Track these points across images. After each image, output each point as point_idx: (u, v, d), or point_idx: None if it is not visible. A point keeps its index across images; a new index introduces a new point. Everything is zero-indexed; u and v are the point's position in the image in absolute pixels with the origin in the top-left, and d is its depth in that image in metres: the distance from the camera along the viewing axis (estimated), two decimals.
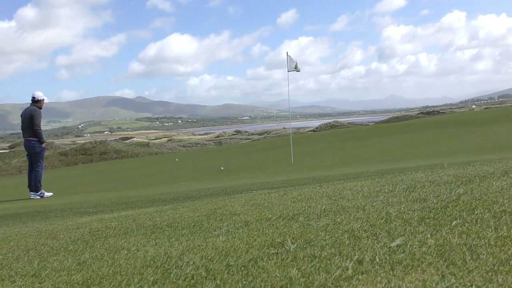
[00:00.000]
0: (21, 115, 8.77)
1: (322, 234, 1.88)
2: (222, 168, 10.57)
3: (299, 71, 10.50)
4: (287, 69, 10.33)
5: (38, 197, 8.45)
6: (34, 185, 8.49)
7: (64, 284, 1.76)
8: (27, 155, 8.83)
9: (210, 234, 2.27)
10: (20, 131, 8.96)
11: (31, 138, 8.51)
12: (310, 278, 1.40)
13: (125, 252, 2.16)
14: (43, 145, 8.65)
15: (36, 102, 8.61)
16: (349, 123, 53.85)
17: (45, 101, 8.73)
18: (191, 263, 1.75)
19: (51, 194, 8.72)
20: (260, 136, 47.56)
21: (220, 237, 2.14)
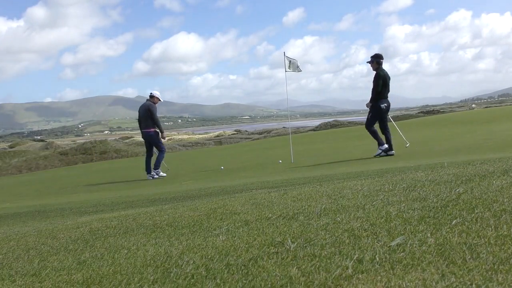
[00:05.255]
0: (138, 110, 10.22)
1: (322, 233, 1.88)
2: (222, 167, 10.57)
3: (300, 71, 10.44)
4: (284, 69, 10.34)
5: (155, 175, 9.86)
6: (155, 165, 9.92)
7: (64, 284, 1.76)
8: (145, 143, 10.47)
9: (210, 233, 2.27)
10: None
11: (147, 130, 9.99)
12: (310, 277, 1.40)
13: (125, 251, 2.16)
14: (163, 135, 10.14)
15: (151, 97, 10.13)
16: (349, 122, 53.80)
17: (159, 97, 10.23)
18: (191, 262, 1.76)
19: (164, 175, 10.07)
20: (260, 136, 47.55)
21: (220, 236, 2.14)
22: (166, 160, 10.65)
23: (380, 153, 8.62)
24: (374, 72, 8.79)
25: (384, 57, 8.82)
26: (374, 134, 8.77)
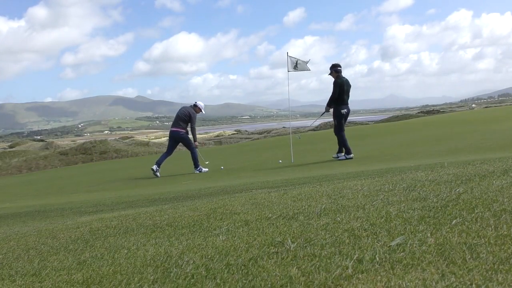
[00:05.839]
0: (179, 110, 10.56)
1: (322, 233, 1.88)
2: (222, 167, 10.57)
3: (309, 69, 10.43)
4: (287, 69, 10.30)
5: (198, 171, 10.13)
6: (194, 163, 10.23)
7: (64, 284, 1.76)
8: (169, 141, 10.73)
9: (210, 233, 2.27)
10: None
11: (178, 129, 10.25)
12: (310, 277, 1.40)
13: (125, 251, 2.16)
14: (196, 143, 10.38)
15: (194, 106, 10.49)
16: (348, 122, 53.69)
17: (201, 109, 10.60)
18: (191, 262, 1.76)
19: (207, 170, 10.24)
20: (260, 136, 47.53)
21: (220, 236, 2.14)
22: (170, 158, 10.68)
23: (344, 158, 9.07)
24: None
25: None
26: (343, 139, 9.19)
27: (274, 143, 19.46)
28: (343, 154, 9.11)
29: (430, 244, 1.53)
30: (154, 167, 10.16)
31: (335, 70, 9.26)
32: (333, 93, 9.08)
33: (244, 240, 1.99)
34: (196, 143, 10.42)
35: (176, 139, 10.44)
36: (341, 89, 9.05)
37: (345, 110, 9.14)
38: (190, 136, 10.45)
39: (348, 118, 9.66)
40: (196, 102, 10.61)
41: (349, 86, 9.24)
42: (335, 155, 9.27)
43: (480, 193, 2.23)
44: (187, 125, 10.36)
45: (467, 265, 1.31)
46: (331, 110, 9.36)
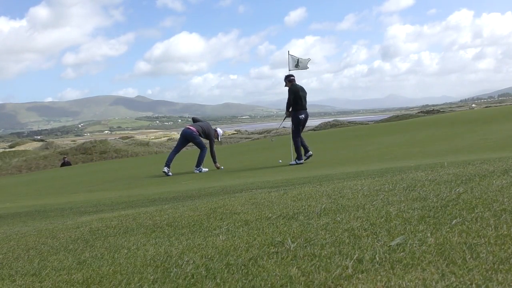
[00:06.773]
0: (201, 122, 10.88)
1: (322, 233, 1.88)
2: (222, 167, 10.57)
3: (307, 68, 10.44)
4: (288, 68, 10.29)
5: (197, 171, 10.24)
6: (197, 162, 10.33)
7: (64, 283, 1.76)
8: (180, 138, 10.87)
9: (210, 233, 2.27)
10: None
11: (194, 130, 10.38)
12: (310, 277, 1.40)
13: (125, 251, 2.16)
14: (217, 165, 10.45)
15: (215, 130, 10.83)
16: (349, 122, 53.82)
17: (218, 136, 10.98)
18: (191, 262, 1.76)
19: (207, 169, 10.33)
20: (260, 135, 47.54)
21: (220, 236, 2.14)
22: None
23: (294, 164, 9.42)
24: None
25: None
26: (297, 145, 9.47)
27: (274, 143, 19.45)
28: (300, 161, 9.35)
29: (430, 244, 1.53)
30: (165, 169, 10.17)
31: (288, 80, 9.69)
32: (288, 99, 9.47)
33: (244, 240, 1.99)
34: (218, 165, 10.54)
35: (187, 137, 10.49)
36: (296, 95, 9.41)
37: (303, 115, 9.50)
38: (203, 139, 10.56)
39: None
40: (217, 128, 11.04)
41: (304, 92, 9.63)
42: (292, 162, 9.47)
43: (480, 193, 2.23)
44: (201, 134, 10.48)
45: (467, 265, 1.31)
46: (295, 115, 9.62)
